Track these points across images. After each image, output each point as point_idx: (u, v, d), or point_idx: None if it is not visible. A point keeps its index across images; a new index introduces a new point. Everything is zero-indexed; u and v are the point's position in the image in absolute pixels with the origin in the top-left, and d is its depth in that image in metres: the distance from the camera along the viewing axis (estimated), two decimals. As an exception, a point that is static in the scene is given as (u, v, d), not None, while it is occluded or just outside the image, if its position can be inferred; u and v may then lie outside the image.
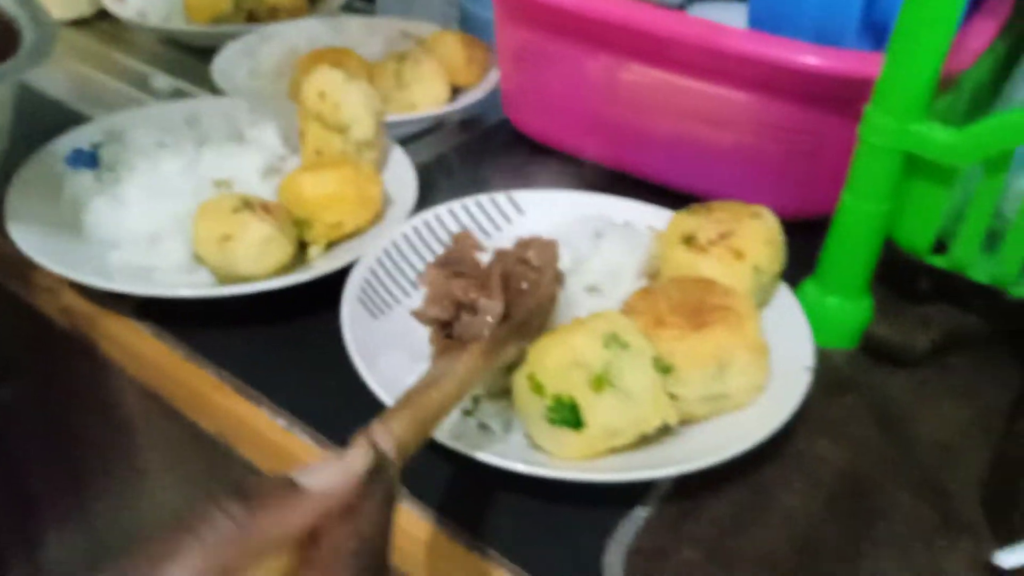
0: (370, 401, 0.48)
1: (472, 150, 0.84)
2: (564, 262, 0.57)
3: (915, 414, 0.55)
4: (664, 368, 0.47)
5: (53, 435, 0.89)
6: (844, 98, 0.64)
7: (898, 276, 0.63)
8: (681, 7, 0.81)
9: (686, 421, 0.49)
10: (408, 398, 0.40)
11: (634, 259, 0.59)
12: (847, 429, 0.53)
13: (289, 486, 0.30)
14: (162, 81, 0.94)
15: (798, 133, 0.66)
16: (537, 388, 0.45)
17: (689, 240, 0.55)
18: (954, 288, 0.62)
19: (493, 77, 0.89)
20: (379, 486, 0.33)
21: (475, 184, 0.79)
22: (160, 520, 0.78)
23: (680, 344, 0.48)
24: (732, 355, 0.48)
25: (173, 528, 0.27)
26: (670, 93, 0.70)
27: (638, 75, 0.70)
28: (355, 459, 0.33)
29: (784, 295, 0.57)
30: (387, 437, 0.36)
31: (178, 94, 0.92)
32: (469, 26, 1.05)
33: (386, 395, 0.47)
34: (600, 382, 0.44)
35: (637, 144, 0.74)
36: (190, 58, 1.00)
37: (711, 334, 0.48)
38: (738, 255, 0.54)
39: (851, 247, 0.57)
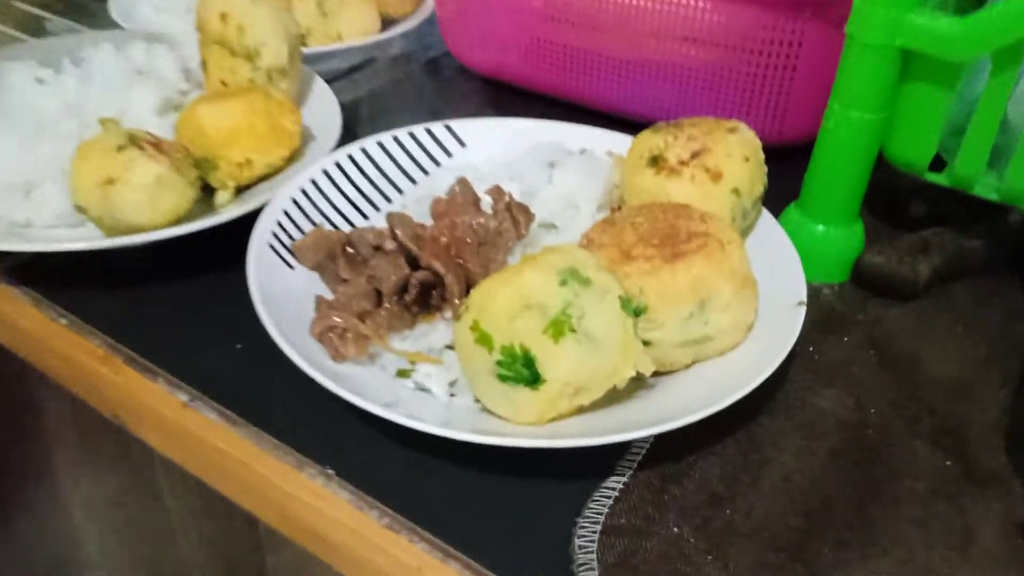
0: (287, 367, 0.40)
1: (409, 86, 0.75)
2: (513, 193, 0.49)
3: (920, 351, 0.48)
4: (634, 309, 0.39)
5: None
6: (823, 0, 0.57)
7: (888, 200, 0.56)
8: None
9: (663, 371, 0.42)
10: None
11: (593, 188, 0.51)
12: (846, 373, 0.46)
13: None
14: (58, 23, 0.83)
15: (772, 45, 0.58)
16: (483, 339, 0.37)
17: (656, 161, 0.47)
18: (952, 212, 0.55)
19: (429, 4, 0.80)
20: None
21: (413, 122, 0.71)
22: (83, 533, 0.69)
23: (652, 279, 0.40)
24: (714, 289, 0.40)
25: None
26: (623, 7, 0.62)
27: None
28: None
29: (767, 223, 0.50)
30: None
31: (72, 35, 0.81)
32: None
33: (301, 358, 0.39)
34: (559, 327, 0.36)
35: (590, 69, 0.66)
36: (91, 2, 0.89)
37: (688, 265, 0.40)
38: (714, 175, 0.46)
39: (841, 165, 0.50)
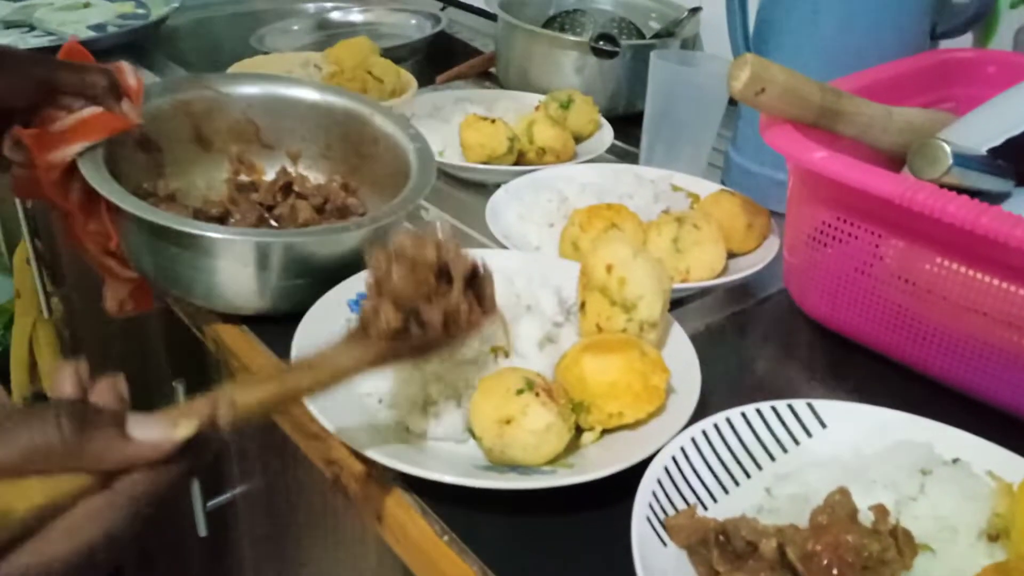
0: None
1: (746, 323, 0.78)
2: (884, 502, 0.49)
3: None
4: None
5: (275, 543, 0.91)
6: None
7: None
8: (1006, 195, 0.72)
9: None
10: (278, 375, 0.43)
11: (971, 512, 0.50)
12: None
13: (119, 429, 0.34)
14: (433, 214, 0.97)
15: None
16: None
17: (1060, 513, 0.45)
18: None
19: (771, 245, 0.83)
20: (192, 453, 0.36)
21: (752, 369, 0.73)
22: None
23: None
24: None
25: (18, 413, 0.33)
26: (1000, 292, 0.61)
27: (948, 271, 0.62)
28: (182, 428, 0.36)
29: None
30: (227, 411, 0.38)
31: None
32: (733, 176, 1.01)
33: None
34: None
35: (952, 350, 0.65)
36: (459, 191, 1.03)
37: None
38: None
39: None
